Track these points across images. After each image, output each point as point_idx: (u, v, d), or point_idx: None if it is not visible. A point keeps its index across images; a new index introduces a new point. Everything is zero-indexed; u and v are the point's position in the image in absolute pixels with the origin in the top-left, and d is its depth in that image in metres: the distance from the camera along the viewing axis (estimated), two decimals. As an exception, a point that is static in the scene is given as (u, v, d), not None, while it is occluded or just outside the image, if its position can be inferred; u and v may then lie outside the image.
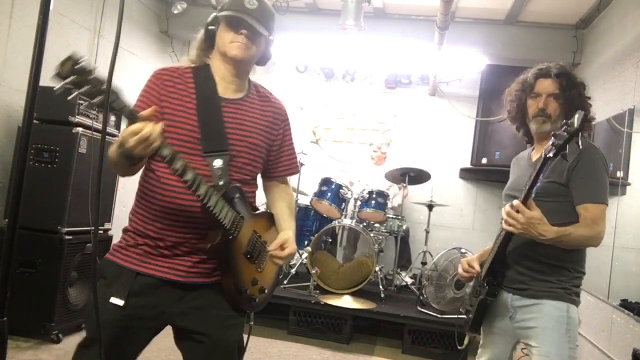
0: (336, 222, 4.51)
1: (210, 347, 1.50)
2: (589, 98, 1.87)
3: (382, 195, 4.53)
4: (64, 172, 3.18)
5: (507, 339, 1.88)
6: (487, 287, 1.79)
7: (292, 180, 5.16)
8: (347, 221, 4.47)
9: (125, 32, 4.46)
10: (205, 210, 1.39)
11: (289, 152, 1.69)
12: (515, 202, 1.61)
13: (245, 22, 1.47)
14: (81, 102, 1.17)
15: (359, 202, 4.58)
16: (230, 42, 1.49)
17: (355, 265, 4.39)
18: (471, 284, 2.01)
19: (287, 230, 1.61)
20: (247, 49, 1.50)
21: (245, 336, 1.59)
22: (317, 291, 4.11)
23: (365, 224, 4.61)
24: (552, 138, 1.52)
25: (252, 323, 1.60)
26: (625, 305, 3.03)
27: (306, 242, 4.60)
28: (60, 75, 1.13)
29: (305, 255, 4.33)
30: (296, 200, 4.65)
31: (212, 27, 1.55)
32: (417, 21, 4.85)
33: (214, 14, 1.55)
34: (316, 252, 4.40)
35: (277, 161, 1.67)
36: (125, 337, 1.46)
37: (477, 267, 1.89)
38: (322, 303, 3.93)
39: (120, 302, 1.43)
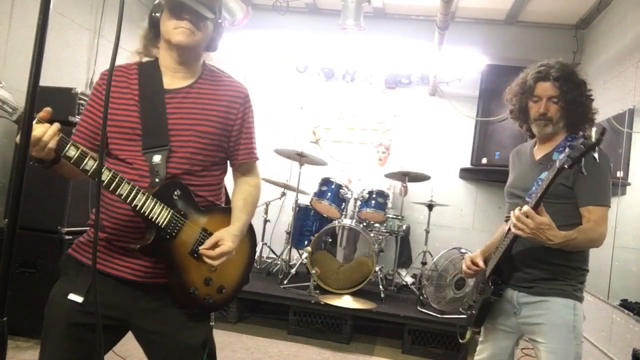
0: (336, 222, 4.51)
1: (171, 347, 1.46)
2: (591, 95, 1.87)
3: (382, 195, 4.53)
4: (64, 172, 3.18)
5: (510, 335, 1.90)
6: (492, 287, 1.80)
7: (293, 179, 5.17)
8: (347, 221, 4.47)
9: (125, 32, 4.45)
10: (134, 210, 1.35)
11: (247, 137, 1.58)
12: (526, 207, 1.63)
13: (187, 6, 1.41)
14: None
15: (359, 202, 4.58)
16: (173, 28, 1.43)
17: (355, 265, 4.39)
18: (471, 282, 2.02)
19: (230, 227, 1.51)
20: (191, 34, 1.43)
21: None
22: (317, 291, 4.11)
23: (365, 224, 4.61)
24: (568, 149, 1.54)
25: (212, 324, 1.55)
26: (625, 305, 3.03)
27: (306, 242, 4.60)
28: None
29: (305, 255, 4.33)
30: (296, 200, 4.67)
31: (156, 14, 1.49)
32: (417, 21, 4.85)
33: (156, 1, 1.51)
34: (316, 252, 4.40)
35: (236, 147, 1.57)
36: (84, 335, 1.40)
37: (481, 263, 1.91)
38: (322, 303, 3.93)
39: (79, 298, 1.40)
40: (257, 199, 1.65)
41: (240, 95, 1.56)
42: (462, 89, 5.63)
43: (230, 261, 1.50)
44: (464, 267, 1.98)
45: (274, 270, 4.76)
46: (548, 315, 1.76)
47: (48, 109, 1.27)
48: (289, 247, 4.70)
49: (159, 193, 1.39)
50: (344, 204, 4.56)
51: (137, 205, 1.34)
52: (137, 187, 1.34)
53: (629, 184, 3.29)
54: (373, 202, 4.49)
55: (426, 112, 5.82)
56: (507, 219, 1.93)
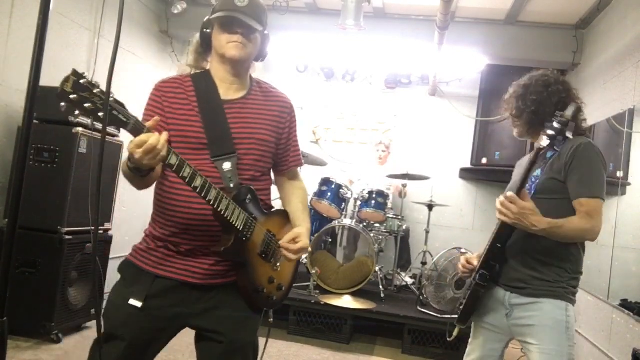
0: (336, 222, 4.51)
1: (226, 347, 1.51)
2: (544, 91, 1.86)
3: (382, 195, 4.53)
4: (64, 172, 3.18)
5: (500, 336, 1.89)
6: (477, 275, 1.81)
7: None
8: (347, 221, 4.47)
9: (125, 32, 4.46)
10: (217, 214, 1.41)
11: (295, 144, 1.71)
12: (509, 193, 1.66)
13: (238, 20, 1.48)
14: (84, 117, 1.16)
15: (359, 202, 4.58)
16: (226, 43, 1.50)
17: (355, 265, 4.39)
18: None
19: (300, 227, 1.63)
20: (244, 47, 1.51)
21: (262, 337, 1.63)
22: (317, 291, 4.11)
23: (365, 224, 4.61)
24: (546, 129, 1.61)
25: (271, 320, 1.64)
26: (625, 305, 3.03)
27: (312, 232, 4.60)
28: (63, 94, 1.12)
29: (305, 255, 4.33)
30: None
31: (207, 30, 1.56)
32: (417, 21, 4.85)
33: (207, 18, 1.56)
34: (316, 252, 4.41)
35: (286, 154, 1.69)
36: (144, 338, 1.48)
37: (475, 263, 1.92)
38: (322, 303, 3.93)
39: (138, 303, 1.46)
40: (307, 201, 1.81)
41: (288, 105, 1.68)
42: (462, 89, 5.63)
43: (287, 262, 1.63)
44: (459, 266, 2.00)
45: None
46: (540, 316, 1.75)
47: (157, 118, 1.33)
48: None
49: (236, 198, 1.46)
50: (344, 204, 4.57)
51: (222, 210, 1.41)
52: (222, 192, 1.41)
53: (629, 184, 3.29)
54: (373, 202, 4.49)
55: (426, 112, 5.82)
56: None
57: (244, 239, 1.48)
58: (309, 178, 4.88)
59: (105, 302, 1.54)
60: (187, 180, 1.34)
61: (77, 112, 1.16)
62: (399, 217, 4.65)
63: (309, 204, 4.69)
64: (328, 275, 4.30)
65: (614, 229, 3.29)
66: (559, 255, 1.77)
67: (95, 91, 1.15)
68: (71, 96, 1.13)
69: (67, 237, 3.18)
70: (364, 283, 4.23)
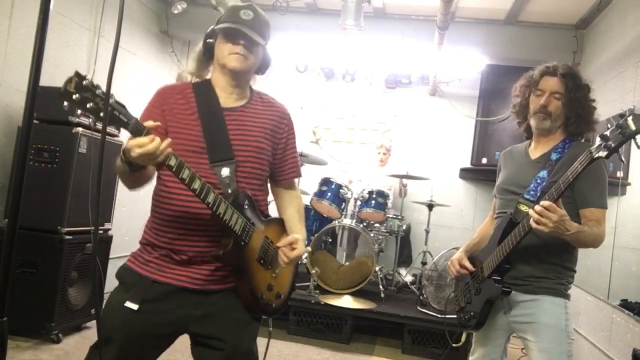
0: (336, 222, 4.51)
1: (226, 353, 1.51)
2: (594, 101, 1.88)
3: (382, 195, 4.53)
4: (64, 172, 3.18)
5: (500, 333, 1.90)
6: (499, 287, 1.77)
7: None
8: (347, 221, 4.47)
9: (125, 32, 4.45)
10: (215, 217, 1.42)
11: (292, 155, 1.72)
12: (546, 202, 1.58)
13: (241, 32, 1.50)
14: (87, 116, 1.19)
15: (359, 202, 4.58)
16: (228, 53, 1.52)
17: (355, 265, 4.39)
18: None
19: (297, 234, 1.64)
20: (245, 59, 1.53)
21: (263, 341, 1.66)
22: (317, 291, 4.11)
23: (365, 223, 4.61)
24: (599, 139, 1.49)
25: (271, 329, 1.66)
26: (625, 305, 3.03)
27: (306, 242, 4.59)
28: (66, 94, 1.14)
29: (305, 255, 4.33)
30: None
31: (210, 40, 1.58)
32: (417, 21, 4.84)
33: (211, 27, 1.58)
34: (316, 252, 4.41)
35: (283, 164, 1.70)
36: (139, 342, 1.48)
37: (469, 266, 1.91)
38: (322, 303, 3.93)
39: (134, 306, 1.45)
40: (303, 210, 1.81)
41: (286, 115, 1.70)
42: (462, 89, 5.62)
43: (285, 270, 1.64)
44: (452, 270, 1.98)
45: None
46: (539, 314, 1.77)
47: (158, 123, 1.34)
48: (289, 247, 4.70)
49: (234, 203, 1.46)
50: (344, 204, 4.57)
51: (220, 213, 1.41)
52: (220, 196, 1.41)
53: (629, 184, 3.29)
54: (373, 202, 4.49)
55: (426, 112, 5.82)
56: (499, 215, 1.93)
57: (243, 243, 1.49)
58: (309, 178, 4.89)
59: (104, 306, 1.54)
60: (186, 182, 1.35)
61: (79, 112, 1.18)
62: (399, 217, 4.65)
63: (309, 204, 4.70)
64: (328, 275, 4.29)
65: (614, 229, 3.29)
66: (559, 253, 1.78)
67: (97, 92, 1.17)
68: (74, 96, 1.14)
69: (67, 237, 3.18)
70: (364, 283, 4.23)
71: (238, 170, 1.52)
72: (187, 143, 1.50)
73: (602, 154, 1.48)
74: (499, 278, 1.79)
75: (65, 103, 1.17)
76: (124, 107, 1.24)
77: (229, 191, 1.48)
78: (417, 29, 4.76)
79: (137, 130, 1.27)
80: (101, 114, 1.17)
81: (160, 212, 1.52)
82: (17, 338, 3.11)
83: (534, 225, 1.60)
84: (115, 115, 1.21)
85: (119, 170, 1.43)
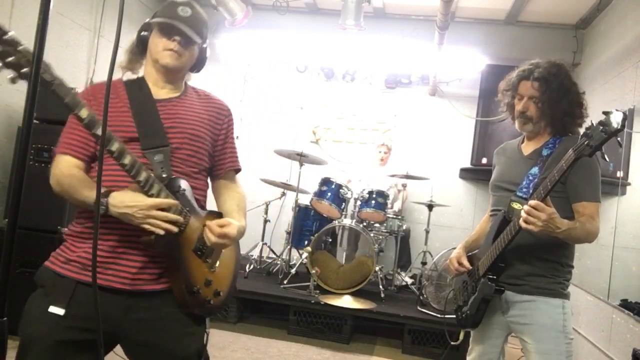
0: (336, 222, 4.51)
1: (165, 359, 1.43)
2: (583, 93, 1.86)
3: (382, 195, 4.53)
4: (64, 172, 3.18)
5: (498, 332, 1.90)
6: (493, 285, 1.78)
7: (293, 179, 5.17)
8: (347, 221, 4.47)
9: (125, 32, 4.45)
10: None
11: (231, 147, 1.66)
12: (534, 202, 1.59)
13: (177, 29, 1.46)
14: (9, 75, 1.12)
15: (359, 202, 4.58)
16: (162, 49, 1.48)
17: (355, 265, 4.39)
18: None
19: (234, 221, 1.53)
20: (179, 57, 1.49)
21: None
22: (317, 291, 4.10)
23: (365, 223, 4.61)
24: (583, 137, 1.50)
25: (208, 331, 1.52)
26: (625, 305, 3.03)
27: (306, 242, 4.60)
28: None
29: (305, 255, 4.33)
30: (296, 200, 4.67)
31: (145, 33, 1.54)
32: (417, 21, 4.85)
33: (146, 20, 1.55)
34: (316, 252, 4.40)
35: (222, 156, 1.63)
36: (68, 353, 1.35)
37: (467, 264, 1.92)
38: (322, 303, 3.93)
39: (60, 310, 1.34)
40: (246, 207, 1.68)
41: (225, 107, 1.66)
42: (462, 89, 5.63)
43: (225, 266, 1.55)
44: (452, 269, 1.99)
45: (274, 270, 4.76)
46: (537, 316, 1.77)
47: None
48: (289, 247, 4.70)
49: (168, 186, 1.40)
50: (344, 204, 4.56)
51: (153, 195, 1.34)
52: (153, 176, 1.35)
53: (629, 184, 3.29)
54: (373, 202, 4.49)
55: (426, 112, 5.82)
56: (494, 212, 1.94)
57: (177, 230, 1.38)
58: (309, 178, 4.90)
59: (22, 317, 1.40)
60: (114, 155, 1.27)
61: None
62: (399, 217, 4.65)
63: (309, 204, 4.70)
64: (328, 275, 4.29)
65: (614, 229, 3.29)
66: (555, 250, 1.78)
67: (19, 49, 1.10)
68: None
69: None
70: (364, 283, 4.22)
71: (173, 156, 1.45)
72: (120, 134, 1.38)
73: (585, 152, 1.49)
74: (494, 277, 1.79)
75: None
76: (49, 66, 1.17)
77: (164, 175, 1.40)
78: (417, 29, 4.77)
79: (75, 103, 1.21)
80: (23, 70, 1.10)
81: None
82: (17, 338, 3.11)
83: (523, 225, 1.61)
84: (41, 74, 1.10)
85: (87, 200, 1.38)
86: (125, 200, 1.32)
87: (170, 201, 1.33)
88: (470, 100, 5.51)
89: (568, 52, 4.55)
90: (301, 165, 4.65)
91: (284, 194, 5.05)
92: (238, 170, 1.70)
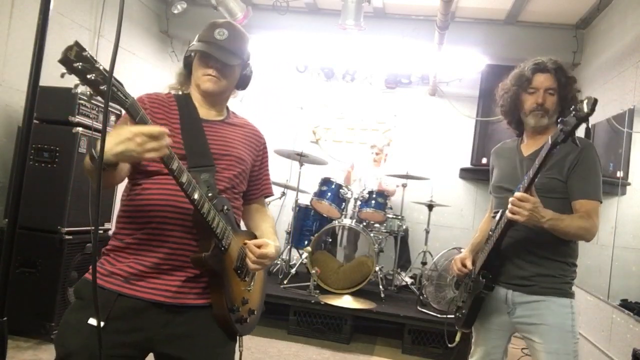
0: (336, 222, 4.51)
1: None
2: (579, 91, 1.89)
3: (382, 195, 4.53)
4: (64, 172, 3.18)
5: (502, 333, 1.90)
6: (483, 281, 1.80)
7: (293, 179, 5.17)
8: (347, 221, 4.47)
9: (125, 32, 4.45)
10: (198, 216, 1.34)
11: (266, 173, 1.73)
12: (519, 194, 1.63)
13: (213, 58, 1.49)
14: (82, 96, 1.13)
15: (359, 202, 4.58)
16: (202, 75, 1.51)
17: (355, 265, 4.39)
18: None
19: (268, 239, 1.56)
20: (217, 82, 1.51)
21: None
22: (317, 291, 4.11)
23: (365, 223, 4.61)
24: (560, 124, 1.54)
25: (242, 349, 1.55)
26: (625, 305, 3.03)
27: (306, 242, 4.60)
28: (67, 59, 1.08)
29: (305, 255, 4.33)
30: (296, 200, 4.67)
31: (190, 54, 1.57)
32: (417, 21, 4.85)
33: (191, 44, 1.56)
34: (316, 252, 4.41)
35: (258, 181, 1.69)
36: None
37: (470, 265, 1.92)
38: (322, 303, 3.93)
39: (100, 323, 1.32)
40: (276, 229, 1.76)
41: (261, 135, 1.72)
42: (462, 89, 5.63)
43: (258, 286, 1.60)
44: (455, 269, 1.99)
45: (274, 270, 4.76)
46: (547, 315, 1.77)
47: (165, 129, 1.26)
48: (289, 247, 4.71)
49: (216, 205, 1.41)
50: (344, 204, 4.57)
51: (204, 213, 1.35)
52: (204, 196, 1.36)
53: (629, 184, 3.29)
54: (373, 202, 4.49)
55: (426, 112, 5.82)
56: (495, 214, 1.94)
57: (222, 249, 1.41)
58: (309, 178, 4.90)
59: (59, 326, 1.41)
60: (175, 173, 1.27)
61: (78, 83, 1.12)
62: (399, 217, 4.65)
63: (309, 204, 4.70)
64: (328, 275, 4.29)
65: (614, 229, 3.29)
66: (561, 249, 1.78)
67: (96, 65, 1.11)
68: (75, 64, 1.09)
69: (67, 237, 3.18)
70: (364, 283, 4.23)
71: (217, 177, 1.47)
72: None
73: (559, 139, 1.53)
74: (488, 274, 1.80)
75: (64, 72, 1.09)
76: (122, 85, 1.19)
77: (210, 194, 1.41)
78: (417, 29, 4.76)
79: (135, 110, 1.21)
80: (102, 87, 1.11)
81: (131, 216, 1.44)
82: (17, 338, 3.11)
83: (509, 216, 1.64)
84: (114, 92, 1.15)
85: (88, 167, 1.31)
86: (112, 140, 1.22)
87: (154, 128, 1.23)
88: (470, 100, 5.52)
89: (568, 52, 4.55)
90: (301, 165, 4.66)
91: (284, 194, 5.05)
92: (269, 196, 1.76)
